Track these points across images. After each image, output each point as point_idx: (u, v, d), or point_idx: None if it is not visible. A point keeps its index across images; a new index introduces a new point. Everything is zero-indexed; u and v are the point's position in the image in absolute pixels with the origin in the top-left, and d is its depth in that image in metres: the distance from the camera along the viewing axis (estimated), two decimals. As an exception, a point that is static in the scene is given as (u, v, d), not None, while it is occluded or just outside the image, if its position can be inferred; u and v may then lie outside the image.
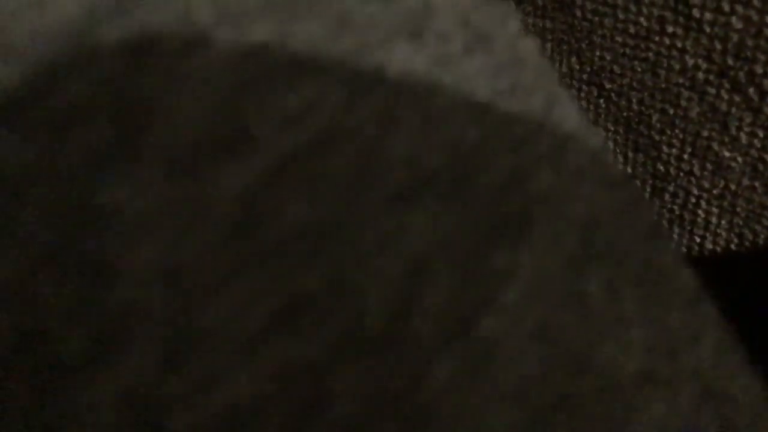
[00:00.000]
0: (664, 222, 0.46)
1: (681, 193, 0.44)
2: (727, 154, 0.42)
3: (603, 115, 0.46)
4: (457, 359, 0.16)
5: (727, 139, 0.42)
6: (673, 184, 0.45)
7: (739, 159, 0.42)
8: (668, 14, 0.41)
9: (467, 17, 0.19)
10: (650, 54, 0.42)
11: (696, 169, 0.43)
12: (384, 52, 0.17)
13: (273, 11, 0.16)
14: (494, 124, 0.18)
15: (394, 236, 0.16)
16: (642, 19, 0.42)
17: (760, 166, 0.42)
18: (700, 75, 0.41)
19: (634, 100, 0.44)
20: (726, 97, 0.41)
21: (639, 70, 0.43)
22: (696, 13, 0.39)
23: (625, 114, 0.45)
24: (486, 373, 0.16)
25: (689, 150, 0.43)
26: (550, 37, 0.47)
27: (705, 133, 0.43)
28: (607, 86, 0.45)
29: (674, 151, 0.44)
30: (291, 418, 0.14)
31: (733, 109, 0.41)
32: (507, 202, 0.18)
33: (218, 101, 0.15)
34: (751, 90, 0.40)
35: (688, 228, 0.45)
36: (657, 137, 0.44)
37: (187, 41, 0.15)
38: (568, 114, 0.20)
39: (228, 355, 0.14)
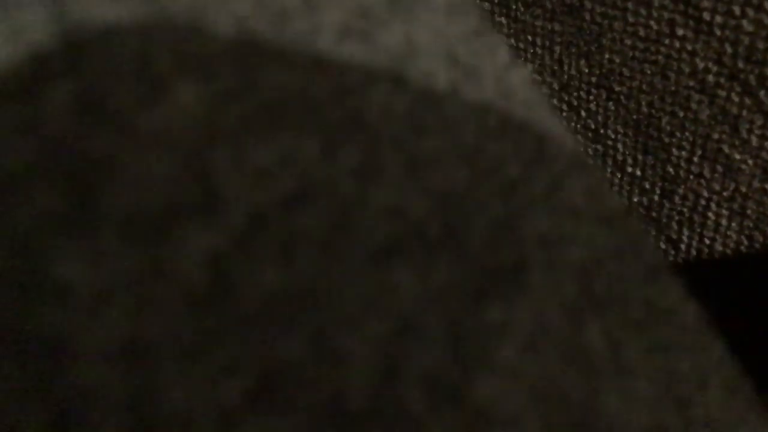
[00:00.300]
0: (674, 224, 0.45)
1: (691, 196, 0.43)
2: (737, 156, 0.41)
3: (612, 118, 0.45)
4: (450, 427, 0.14)
5: (737, 142, 0.41)
6: (683, 186, 0.43)
7: (750, 161, 0.41)
8: (678, 17, 0.39)
9: (453, 52, 0.17)
10: (660, 57, 0.41)
11: (706, 172, 0.42)
12: (363, 95, 0.15)
13: (240, 56, 0.14)
14: (484, 166, 0.16)
15: (379, 295, 0.14)
16: (652, 22, 0.41)
17: (771, 171, 0.40)
18: (711, 78, 0.40)
19: (643, 103, 0.43)
20: (736, 99, 0.39)
21: (649, 72, 0.42)
22: (706, 16, 0.38)
23: (634, 117, 0.44)
24: None
25: (699, 152, 0.42)
26: (558, 40, 0.45)
27: (715, 136, 0.41)
28: (617, 89, 0.44)
29: (684, 153, 0.43)
30: None
31: (744, 112, 0.40)
32: (500, 251, 0.16)
33: (182, 159, 0.14)
34: (761, 93, 0.39)
35: (699, 230, 0.44)
36: (667, 140, 0.43)
37: (144, 93, 0.14)
38: (563, 149, 0.18)
39: None
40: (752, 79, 0.39)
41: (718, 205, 0.43)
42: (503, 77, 0.18)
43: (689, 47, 0.40)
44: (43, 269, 0.13)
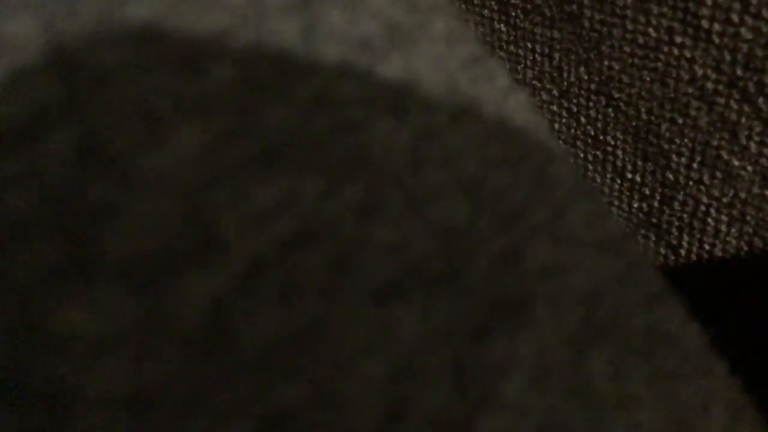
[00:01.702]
0: (674, 230, 0.45)
1: (690, 202, 0.43)
2: (736, 162, 0.41)
3: (612, 125, 0.45)
4: None
5: (736, 148, 0.40)
6: (682, 192, 0.43)
7: (749, 168, 0.41)
8: (677, 25, 0.39)
9: (453, 81, 0.16)
10: (659, 64, 0.41)
11: (705, 178, 0.42)
12: (364, 130, 0.15)
13: (238, 96, 0.14)
14: (485, 198, 0.16)
15: (380, 336, 0.14)
16: (651, 30, 0.40)
17: (771, 178, 0.40)
18: (709, 85, 0.39)
19: (642, 110, 0.43)
20: (735, 106, 0.39)
21: (648, 79, 0.42)
22: (705, 23, 0.38)
23: (633, 124, 0.43)
24: None
25: (698, 159, 0.42)
26: (558, 47, 0.45)
27: (714, 143, 0.41)
28: (616, 96, 0.43)
29: (683, 160, 0.43)
30: None
31: (743, 119, 0.39)
32: (502, 284, 0.16)
33: (181, 203, 0.13)
34: (760, 100, 0.38)
35: (698, 236, 0.44)
36: (666, 146, 0.43)
37: (144, 137, 0.13)
38: (563, 175, 0.18)
39: None
40: (751, 86, 0.39)
41: (718, 211, 0.43)
42: (503, 104, 0.18)
43: (688, 54, 0.40)
44: (43, 319, 0.12)
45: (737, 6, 0.35)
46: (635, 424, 0.16)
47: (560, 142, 0.41)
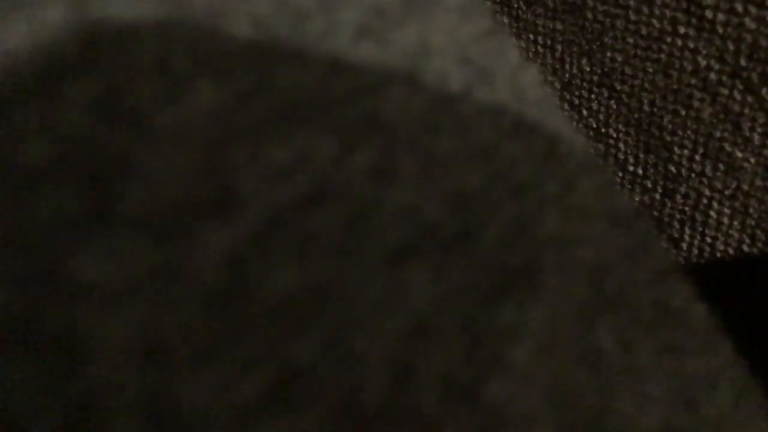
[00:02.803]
0: (676, 223, 0.45)
1: (693, 194, 0.43)
2: (739, 154, 0.41)
3: (614, 117, 0.45)
4: (464, 428, 0.14)
5: (739, 140, 0.41)
6: (685, 185, 0.44)
7: (752, 160, 0.41)
8: (680, 15, 0.39)
9: (466, 53, 0.17)
10: (662, 55, 0.41)
11: (708, 170, 0.42)
12: (378, 96, 0.15)
13: (256, 56, 0.14)
14: (497, 167, 0.16)
15: (394, 296, 0.14)
16: (654, 21, 0.41)
17: (774, 170, 0.40)
18: (713, 76, 0.40)
19: (645, 102, 0.43)
20: (739, 98, 0.39)
21: (651, 71, 0.42)
22: (709, 14, 0.38)
23: (636, 115, 0.44)
24: None
25: (701, 151, 0.42)
26: (560, 38, 0.45)
27: (717, 134, 0.41)
28: (619, 87, 0.44)
29: (686, 152, 0.43)
30: None
31: (746, 110, 0.40)
32: (514, 252, 0.16)
33: (200, 157, 0.14)
34: (764, 91, 0.39)
35: (700, 229, 0.44)
36: (669, 138, 0.43)
37: (162, 92, 0.14)
38: (573, 149, 0.18)
39: None
40: (754, 77, 0.39)
41: (720, 203, 0.43)
42: (515, 78, 0.18)
43: (691, 45, 0.40)
44: (61, 267, 0.13)
45: (743, -6, 0.36)
46: (642, 395, 0.17)
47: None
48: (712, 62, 0.40)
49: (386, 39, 0.16)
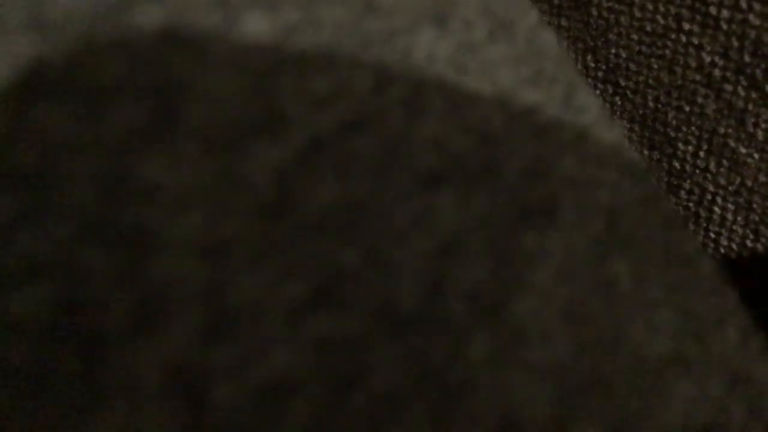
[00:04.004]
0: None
1: (697, 190, 0.44)
2: (743, 150, 0.42)
3: (619, 113, 0.46)
4: (490, 338, 0.16)
5: (743, 136, 0.42)
6: (689, 180, 0.44)
7: (756, 155, 0.42)
8: (685, 12, 0.41)
9: (489, 6, 0.19)
10: (667, 51, 0.42)
11: (712, 166, 0.43)
12: (410, 37, 0.17)
13: None
14: (518, 111, 0.18)
15: (426, 216, 0.16)
16: (659, 17, 0.42)
17: (778, 162, 0.42)
18: (717, 72, 0.41)
19: (650, 98, 0.44)
20: (743, 93, 0.41)
21: (655, 67, 0.43)
22: (713, 10, 0.39)
23: (640, 111, 0.45)
24: (519, 352, 0.16)
25: (705, 147, 0.43)
26: (565, 35, 0.47)
27: (721, 130, 0.42)
28: (623, 84, 0.45)
29: (690, 148, 0.44)
30: (331, 391, 0.14)
31: (750, 106, 0.41)
32: (533, 187, 0.18)
33: (251, 82, 0.15)
34: (767, 87, 0.40)
35: (704, 225, 0.45)
36: (673, 134, 0.44)
37: (218, 23, 0.15)
38: (588, 104, 0.20)
39: (268, 329, 0.14)
40: (758, 73, 0.40)
41: (724, 199, 0.44)
42: (534, 34, 0.20)
43: (696, 42, 0.41)
44: (130, 171, 0.14)
45: (747, -15, 0.37)
46: (652, 324, 0.19)
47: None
48: (717, 58, 0.41)
49: (416, -12, 0.18)
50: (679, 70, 0.43)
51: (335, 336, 0.15)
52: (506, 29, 0.19)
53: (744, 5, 0.39)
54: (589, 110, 0.20)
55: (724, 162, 0.44)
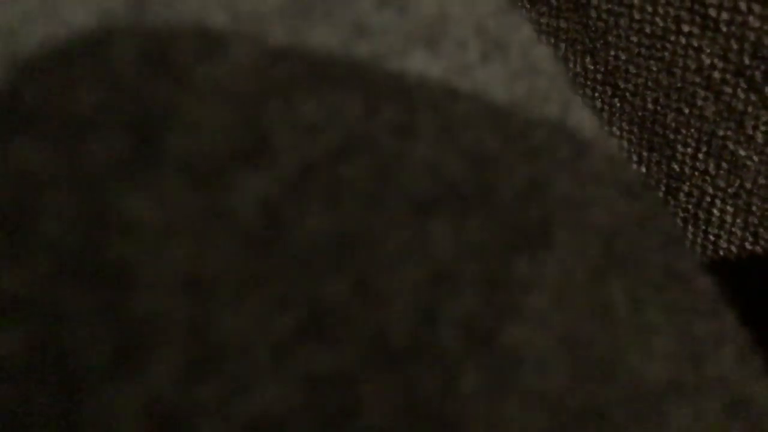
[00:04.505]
0: (679, 221, 0.46)
1: (696, 193, 0.44)
2: (742, 153, 0.42)
3: (617, 115, 0.46)
4: (483, 368, 0.16)
5: (742, 138, 0.42)
6: (688, 183, 0.44)
7: (755, 158, 0.42)
8: (684, 14, 0.40)
9: (483, 24, 0.18)
10: (666, 53, 0.42)
11: (711, 169, 0.43)
12: (401, 59, 0.17)
13: (288, 16, 0.16)
14: (512, 131, 0.18)
15: (418, 244, 0.16)
16: (658, 19, 0.42)
17: (777, 166, 0.41)
18: (716, 74, 0.41)
19: (649, 100, 0.44)
20: (742, 96, 0.40)
21: (654, 69, 0.43)
22: (712, 12, 0.39)
23: (639, 114, 0.45)
24: (513, 382, 0.16)
25: (704, 149, 0.43)
26: (564, 37, 0.46)
27: (720, 133, 0.42)
28: (622, 86, 0.44)
29: (689, 150, 0.44)
30: (320, 427, 0.14)
31: (750, 108, 0.41)
32: (528, 209, 0.17)
33: (237, 109, 0.15)
34: (767, 89, 0.40)
35: (703, 227, 0.45)
36: (672, 137, 0.44)
37: (202, 48, 0.15)
38: (584, 120, 0.19)
39: (254, 364, 0.14)
40: (758, 75, 0.40)
41: (723, 201, 0.44)
42: (528, 51, 0.20)
43: (695, 44, 0.41)
44: (110, 205, 0.14)
45: (746, -10, 0.37)
46: (650, 349, 0.18)
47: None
48: (716, 60, 0.41)
49: (407, 6, 0.18)
50: (678, 72, 0.43)
51: (324, 370, 0.14)
52: (500, 48, 0.19)
53: (743, 7, 0.39)
54: (585, 127, 0.20)
55: (724, 164, 0.44)
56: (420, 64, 0.17)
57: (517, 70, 0.19)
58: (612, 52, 0.44)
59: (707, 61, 0.41)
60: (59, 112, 0.14)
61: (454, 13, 0.18)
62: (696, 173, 0.44)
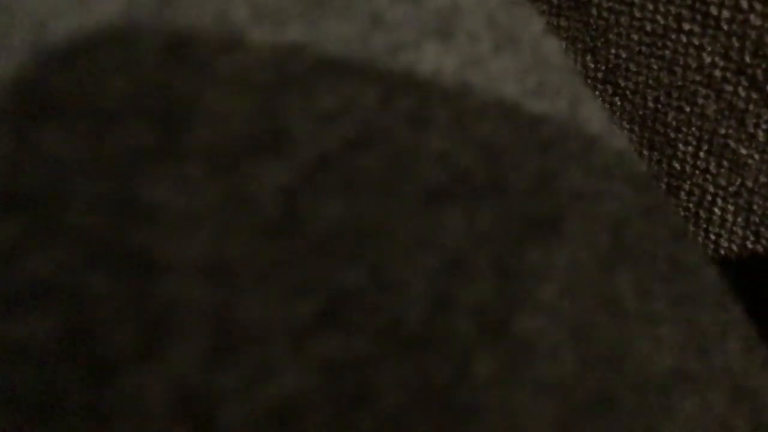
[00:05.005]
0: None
1: (697, 191, 0.44)
2: (743, 151, 0.42)
3: (618, 114, 0.46)
4: (496, 356, 0.16)
5: (743, 137, 0.42)
6: (689, 182, 0.45)
7: (756, 156, 0.42)
8: (685, 12, 0.41)
9: (494, 18, 0.19)
10: (667, 52, 0.42)
11: (712, 167, 0.43)
12: (415, 51, 0.17)
13: (306, 11, 0.16)
14: (523, 124, 0.18)
15: (432, 233, 0.16)
16: (659, 17, 0.42)
17: (778, 164, 0.42)
18: (717, 73, 0.41)
19: (650, 99, 0.44)
20: (743, 94, 0.41)
21: (655, 68, 0.43)
22: (713, 10, 0.39)
23: (641, 112, 0.45)
24: (525, 370, 0.16)
25: (706, 148, 0.43)
26: (565, 35, 0.47)
27: (722, 131, 0.42)
28: (623, 84, 0.45)
29: (690, 149, 0.44)
30: (338, 411, 0.14)
31: (751, 107, 0.41)
32: (539, 201, 0.18)
33: (256, 100, 0.15)
34: None
35: (704, 226, 0.45)
36: (673, 135, 0.44)
37: (223, 40, 0.16)
38: (594, 114, 0.20)
39: (274, 349, 0.14)
40: (759, 73, 0.40)
41: (724, 200, 0.44)
42: (539, 45, 0.20)
43: (696, 42, 0.41)
44: (135, 193, 0.14)
45: (748, -12, 0.37)
46: (657, 339, 0.19)
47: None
48: (717, 59, 0.41)
49: (420, 1, 0.18)
50: (679, 70, 0.43)
51: (341, 356, 0.15)
52: (511, 41, 0.19)
53: (745, 5, 0.39)
54: (594, 120, 0.20)
55: (725, 163, 0.44)
56: (433, 56, 0.18)
57: (528, 63, 0.19)
58: (613, 51, 0.45)
59: (708, 60, 0.41)
60: (87, 102, 0.15)
61: (466, 6, 0.19)
62: (697, 172, 0.44)
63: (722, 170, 0.43)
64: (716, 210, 0.44)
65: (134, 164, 0.15)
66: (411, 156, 0.17)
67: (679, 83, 0.43)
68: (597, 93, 0.47)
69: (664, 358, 0.18)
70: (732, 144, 0.43)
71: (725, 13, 0.39)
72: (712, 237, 0.45)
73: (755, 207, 0.43)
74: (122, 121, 0.15)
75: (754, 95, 0.41)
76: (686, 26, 0.41)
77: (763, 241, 0.44)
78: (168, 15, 0.15)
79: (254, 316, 0.15)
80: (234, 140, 0.15)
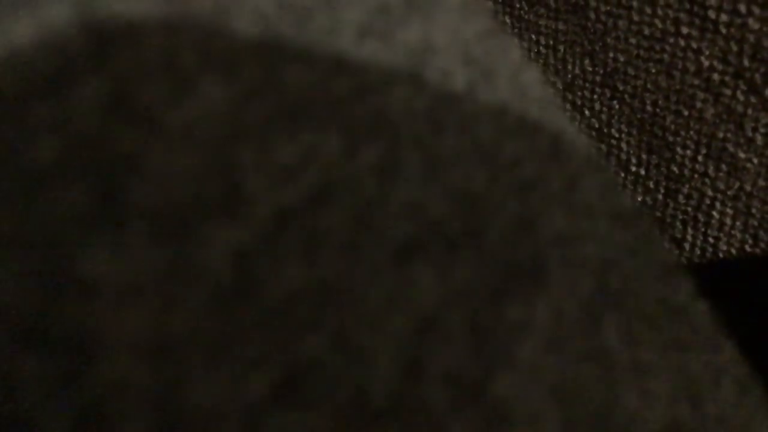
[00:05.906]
0: (679, 223, 0.45)
1: (695, 195, 0.44)
2: (742, 155, 0.41)
3: (617, 117, 0.45)
4: (470, 424, 0.14)
5: (742, 141, 0.41)
6: (687, 185, 0.44)
7: (755, 160, 0.41)
8: (683, 16, 0.40)
9: (469, 52, 0.17)
10: (665, 56, 0.41)
11: (711, 171, 0.42)
12: (382, 94, 0.16)
13: (261, 54, 0.15)
14: (501, 166, 0.17)
15: (401, 293, 0.15)
16: (657, 21, 0.41)
17: (777, 170, 0.41)
18: (716, 76, 0.40)
19: (648, 102, 0.43)
20: (741, 98, 0.40)
21: (653, 71, 0.42)
22: (712, 14, 0.38)
23: (638, 116, 0.44)
24: None
25: (704, 151, 0.42)
26: (562, 39, 0.46)
27: (720, 135, 0.42)
28: (621, 88, 0.44)
29: (689, 152, 0.43)
30: None
31: (749, 111, 0.40)
32: (519, 249, 0.16)
33: (207, 155, 0.14)
34: (767, 91, 0.39)
35: (703, 230, 0.44)
36: (671, 139, 0.43)
37: (170, 90, 0.14)
38: (576, 149, 0.18)
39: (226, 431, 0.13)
40: (758, 77, 0.39)
41: (723, 204, 0.44)
42: (517, 76, 0.18)
43: (694, 46, 0.41)
44: (70, 265, 0.13)
45: (745, -6, 0.36)
46: (647, 391, 0.17)
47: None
48: (715, 63, 0.40)
49: (390, 38, 0.16)
50: (677, 74, 0.42)
51: (300, 435, 0.13)
52: (487, 76, 0.17)
53: (743, 9, 0.38)
54: (577, 156, 0.18)
55: (723, 166, 0.43)
56: (403, 98, 0.16)
57: (505, 99, 0.18)
58: (611, 54, 0.44)
59: (706, 63, 0.40)
60: (16, 161, 0.13)
61: (439, 41, 0.17)
62: (695, 175, 0.43)
63: (721, 174, 0.42)
64: (715, 213, 0.44)
65: (68, 232, 0.13)
66: (378, 209, 0.15)
67: (678, 87, 0.42)
68: (595, 97, 0.46)
69: (654, 413, 0.17)
70: (730, 147, 0.42)
71: (723, 17, 0.38)
72: (711, 240, 0.44)
73: (754, 210, 0.42)
74: (55, 183, 0.13)
75: (753, 99, 0.40)
76: (684, 30, 0.40)
77: (762, 245, 0.43)
78: (107, 64, 0.13)
79: (203, 396, 0.13)
80: (181, 201, 0.13)
